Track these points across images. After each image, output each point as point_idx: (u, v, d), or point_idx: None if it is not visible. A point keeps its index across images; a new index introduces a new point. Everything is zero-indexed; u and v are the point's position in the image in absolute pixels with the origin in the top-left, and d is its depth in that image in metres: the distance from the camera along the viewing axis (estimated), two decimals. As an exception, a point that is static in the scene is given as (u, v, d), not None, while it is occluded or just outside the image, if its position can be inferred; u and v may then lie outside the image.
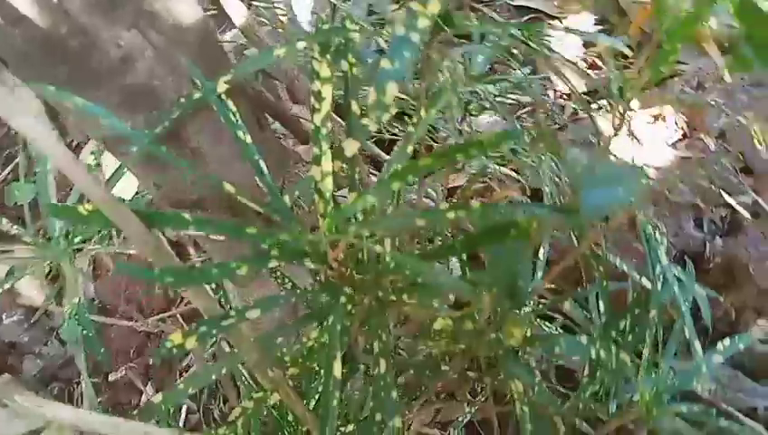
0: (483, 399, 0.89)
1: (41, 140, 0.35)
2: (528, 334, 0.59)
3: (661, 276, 0.68)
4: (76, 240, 0.98)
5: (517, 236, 0.40)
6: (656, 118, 1.12)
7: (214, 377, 0.52)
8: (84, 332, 0.82)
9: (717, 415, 0.66)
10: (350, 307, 0.56)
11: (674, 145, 1.13)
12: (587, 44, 1.40)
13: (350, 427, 0.69)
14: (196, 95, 0.53)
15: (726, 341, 0.70)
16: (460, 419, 0.97)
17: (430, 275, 0.45)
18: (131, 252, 1.16)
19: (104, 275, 1.52)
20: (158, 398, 0.51)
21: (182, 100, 0.53)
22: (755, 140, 0.89)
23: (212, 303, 0.46)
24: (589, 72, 1.27)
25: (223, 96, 0.56)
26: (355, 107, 0.59)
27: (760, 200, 1.05)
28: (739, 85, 1.14)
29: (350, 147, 0.55)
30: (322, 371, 0.52)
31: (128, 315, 1.47)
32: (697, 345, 0.65)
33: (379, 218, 0.44)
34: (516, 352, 0.61)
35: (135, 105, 0.52)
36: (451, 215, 0.43)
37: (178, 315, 1.44)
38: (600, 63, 1.30)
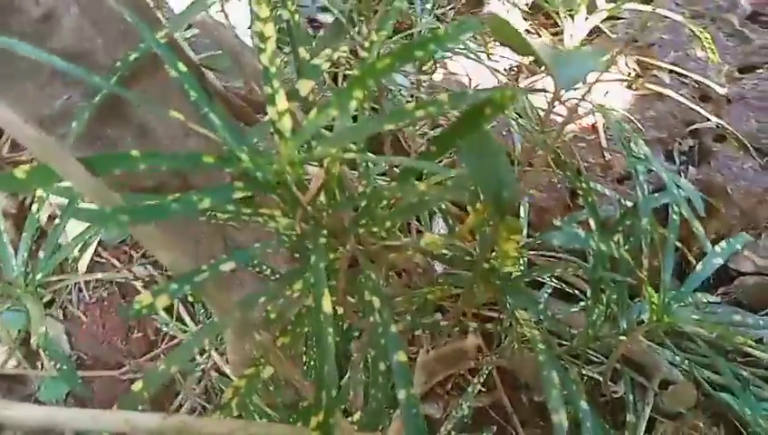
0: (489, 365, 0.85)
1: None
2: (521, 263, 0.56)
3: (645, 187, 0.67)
4: (38, 277, 0.92)
5: (494, 112, 0.38)
6: (607, 63, 1.13)
7: (196, 350, 0.47)
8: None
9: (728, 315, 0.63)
10: (331, 256, 0.53)
11: (629, 86, 1.13)
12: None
13: (356, 416, 0.64)
14: (132, 56, 0.50)
15: (722, 243, 0.68)
16: (469, 389, 0.93)
17: (410, 190, 0.42)
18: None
19: (78, 328, 1.44)
20: (137, 385, 0.46)
21: (118, 63, 0.50)
22: (709, 60, 0.90)
23: (181, 257, 0.42)
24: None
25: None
26: (303, 52, 0.57)
27: (723, 123, 1.05)
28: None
29: (305, 86, 0.52)
30: (312, 322, 0.48)
31: (109, 365, 1.39)
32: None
33: (346, 131, 0.41)
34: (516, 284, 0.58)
35: (68, 75, 0.48)
36: (420, 112, 0.40)
37: (162, 356, 1.37)
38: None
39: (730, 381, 1.24)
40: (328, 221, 0.51)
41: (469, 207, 0.46)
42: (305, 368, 0.60)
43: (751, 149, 1.02)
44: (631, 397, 0.75)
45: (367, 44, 0.50)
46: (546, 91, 0.44)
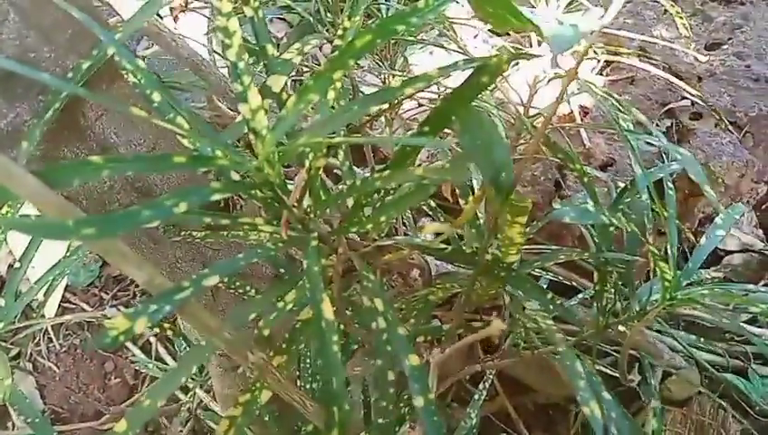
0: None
1: None
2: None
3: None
4: None
5: (490, 79, 0.34)
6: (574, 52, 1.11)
7: (183, 380, 0.42)
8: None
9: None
10: (324, 260, 0.49)
11: (601, 72, 1.12)
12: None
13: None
14: (86, 64, 0.45)
15: (721, 214, 0.66)
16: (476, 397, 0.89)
17: (406, 175, 0.38)
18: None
19: (51, 380, 1.35)
20: (121, 425, 0.41)
21: (69, 75, 0.45)
22: (674, 40, 0.89)
23: (156, 274, 0.37)
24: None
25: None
26: (271, 49, 0.53)
27: (697, 101, 1.05)
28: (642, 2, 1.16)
29: (276, 82, 0.48)
30: (314, 331, 0.44)
31: (87, 417, 1.30)
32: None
33: (331, 116, 0.37)
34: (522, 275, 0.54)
35: (12, 91, 0.44)
36: (408, 90, 0.37)
37: (144, 400, 1.29)
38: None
39: (731, 361, 1.23)
40: (315, 224, 0.47)
41: (458, 193, 0.43)
42: (304, 389, 0.55)
43: (728, 124, 1.02)
44: (653, 382, 0.72)
45: (340, 32, 0.47)
46: (538, 56, 0.41)
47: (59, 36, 0.45)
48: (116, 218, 0.31)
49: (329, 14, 0.62)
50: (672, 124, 1.06)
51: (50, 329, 1.38)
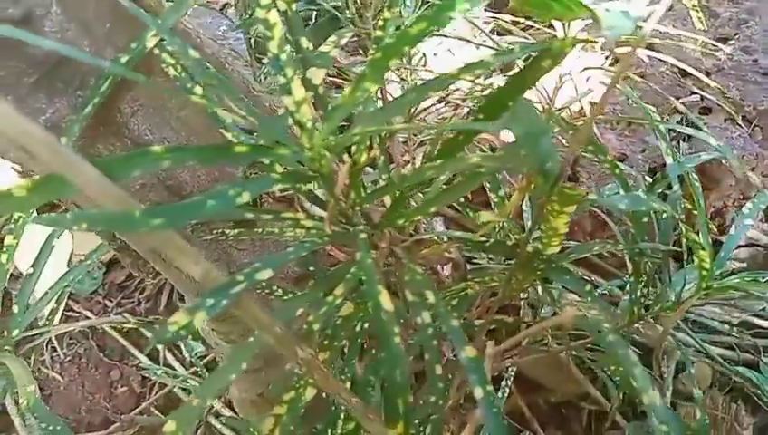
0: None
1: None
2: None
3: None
4: (14, 334, 0.83)
5: (552, 63, 0.34)
6: (584, 48, 1.12)
7: (233, 377, 0.41)
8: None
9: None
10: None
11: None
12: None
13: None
14: (124, 58, 0.44)
15: (748, 204, 0.66)
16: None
17: (460, 163, 0.38)
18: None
19: (56, 390, 1.33)
20: (170, 425, 0.40)
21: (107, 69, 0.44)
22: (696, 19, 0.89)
23: (212, 268, 0.36)
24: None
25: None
26: (306, 42, 0.52)
27: (706, 95, 1.05)
28: None
29: (317, 75, 0.48)
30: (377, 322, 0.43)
31: (94, 427, 1.28)
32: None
33: (386, 106, 0.37)
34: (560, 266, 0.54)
35: (53, 86, 0.43)
36: (467, 75, 0.36)
37: (153, 408, 1.27)
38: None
39: (742, 355, 1.23)
40: (357, 218, 0.46)
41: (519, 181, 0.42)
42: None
43: (737, 118, 1.03)
44: (692, 371, 0.72)
45: (381, 23, 0.46)
46: (594, 42, 0.41)
47: (98, 29, 0.44)
48: (182, 208, 0.31)
49: (348, 11, 0.61)
50: (682, 119, 1.07)
51: (53, 338, 1.36)
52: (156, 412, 1.26)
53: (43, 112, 0.44)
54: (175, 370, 1.28)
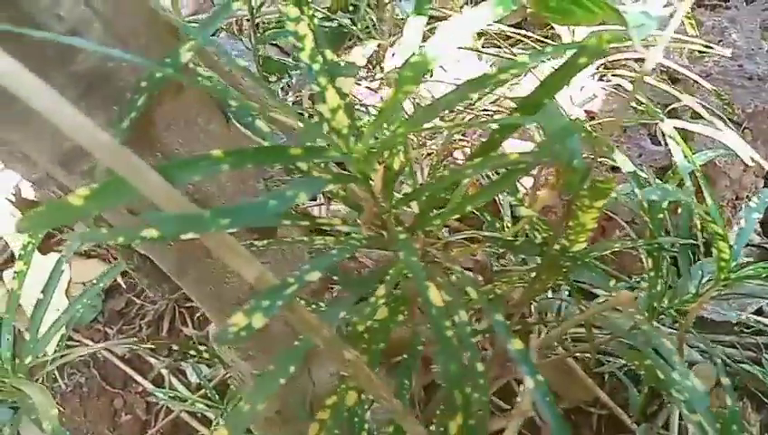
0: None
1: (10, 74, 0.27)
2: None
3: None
4: (27, 360, 0.82)
5: (589, 59, 0.36)
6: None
7: (282, 381, 0.42)
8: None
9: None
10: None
11: (601, 78, 1.16)
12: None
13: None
14: (158, 73, 0.45)
15: (754, 198, 0.68)
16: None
17: (499, 160, 0.39)
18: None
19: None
20: (222, 432, 0.40)
21: (143, 83, 0.45)
22: (688, 26, 0.93)
23: (265, 271, 0.37)
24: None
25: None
26: (330, 55, 0.54)
27: (697, 100, 1.08)
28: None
29: (345, 84, 0.49)
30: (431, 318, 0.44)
31: (98, 457, 1.26)
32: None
33: (427, 107, 0.38)
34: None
35: (92, 97, 0.43)
36: (504, 75, 0.38)
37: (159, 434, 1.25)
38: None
39: (744, 353, 1.26)
40: (392, 221, 0.47)
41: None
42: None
43: (727, 121, 1.06)
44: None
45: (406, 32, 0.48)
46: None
47: (134, 44, 0.45)
48: (247, 209, 0.31)
49: (359, 24, 0.63)
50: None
51: (54, 369, 1.33)
52: (162, 438, 1.24)
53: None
54: (180, 393, 1.26)
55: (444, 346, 0.37)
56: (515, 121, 0.38)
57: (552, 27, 1.27)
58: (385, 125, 0.42)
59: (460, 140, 0.88)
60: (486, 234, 0.50)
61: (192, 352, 1.20)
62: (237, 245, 0.36)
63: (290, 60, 0.92)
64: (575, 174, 0.45)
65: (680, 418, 1.15)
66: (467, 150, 0.82)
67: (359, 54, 0.51)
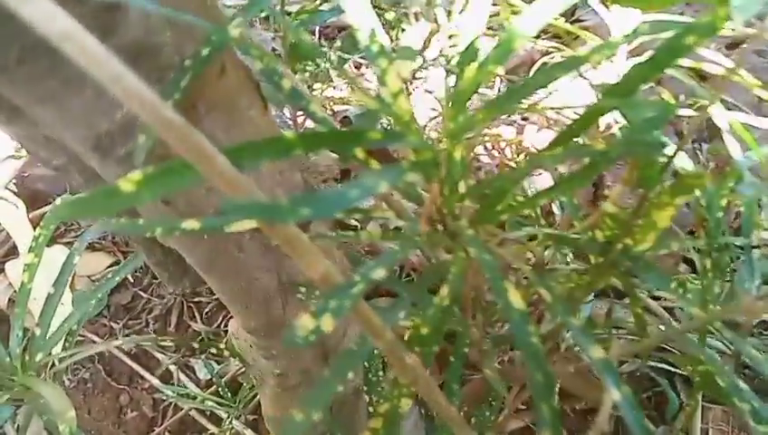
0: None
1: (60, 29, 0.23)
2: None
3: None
4: (38, 358, 0.79)
5: (698, 40, 0.32)
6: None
7: (340, 388, 0.38)
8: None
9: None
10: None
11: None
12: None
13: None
14: (205, 51, 0.42)
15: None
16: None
17: (584, 150, 0.36)
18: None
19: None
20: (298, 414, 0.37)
21: (187, 62, 0.42)
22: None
23: (332, 269, 0.33)
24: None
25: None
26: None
27: (727, 98, 1.06)
28: None
29: (404, 68, 0.46)
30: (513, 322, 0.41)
31: (102, 456, 1.22)
32: None
33: (511, 90, 0.35)
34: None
35: (134, 74, 0.40)
36: (596, 56, 0.35)
37: (167, 433, 1.21)
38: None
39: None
40: (454, 213, 0.44)
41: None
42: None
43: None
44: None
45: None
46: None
47: (180, 20, 0.41)
48: (328, 198, 0.28)
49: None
50: (703, 122, 1.07)
51: (56, 363, 1.29)
52: (169, 436, 1.20)
53: (120, 108, 0.41)
54: (189, 390, 1.22)
55: (530, 354, 0.33)
56: (604, 106, 0.35)
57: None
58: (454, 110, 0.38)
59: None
60: (547, 231, 0.46)
61: (202, 348, 1.16)
62: (305, 238, 0.32)
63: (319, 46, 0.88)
64: (654, 168, 0.41)
65: (702, 421, 1.13)
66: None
67: (415, 36, 0.47)
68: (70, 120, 0.41)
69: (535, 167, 0.39)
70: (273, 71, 0.41)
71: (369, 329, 0.38)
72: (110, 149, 0.42)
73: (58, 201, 0.86)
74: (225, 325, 1.31)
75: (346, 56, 0.72)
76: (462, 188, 0.40)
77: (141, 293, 1.38)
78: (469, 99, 0.35)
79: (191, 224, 0.39)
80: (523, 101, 0.63)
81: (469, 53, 0.41)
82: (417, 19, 0.73)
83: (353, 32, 0.52)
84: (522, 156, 0.84)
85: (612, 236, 0.47)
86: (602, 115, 0.35)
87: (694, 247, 0.59)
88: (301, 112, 0.96)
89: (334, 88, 1.12)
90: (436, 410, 0.46)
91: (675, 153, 0.42)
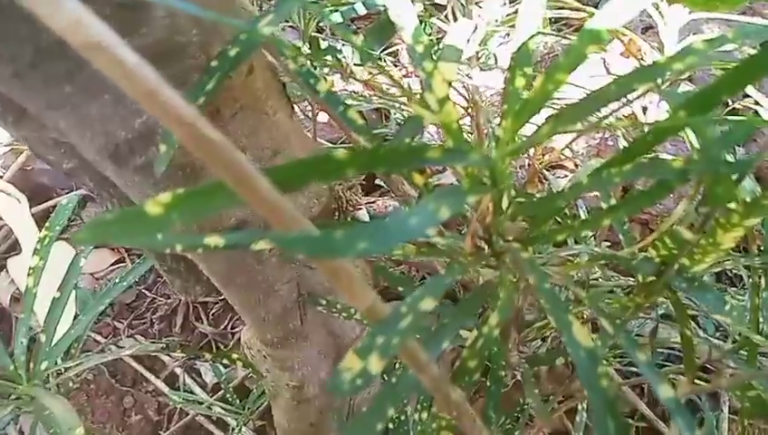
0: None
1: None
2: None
3: None
4: (43, 366, 0.75)
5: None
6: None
7: (391, 413, 0.35)
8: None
9: None
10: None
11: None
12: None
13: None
14: (233, 51, 0.38)
15: None
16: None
17: (659, 168, 0.32)
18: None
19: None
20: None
21: (214, 63, 0.38)
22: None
23: (378, 300, 0.30)
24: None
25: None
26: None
27: (755, 94, 1.01)
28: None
29: (449, 69, 0.42)
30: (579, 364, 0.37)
31: (107, 460, 1.19)
32: None
33: (584, 100, 0.31)
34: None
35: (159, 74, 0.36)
36: (677, 65, 0.31)
37: (172, 437, 1.18)
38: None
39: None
40: (501, 233, 0.40)
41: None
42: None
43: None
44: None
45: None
46: None
47: (206, 19, 0.38)
48: (387, 228, 0.24)
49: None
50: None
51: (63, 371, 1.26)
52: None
53: (140, 115, 0.37)
54: (195, 395, 1.19)
55: (598, 399, 0.30)
56: (678, 123, 0.31)
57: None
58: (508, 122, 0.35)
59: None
60: (599, 250, 0.43)
61: (209, 352, 1.13)
62: (353, 269, 0.29)
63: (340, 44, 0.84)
64: (724, 185, 0.38)
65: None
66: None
67: (460, 35, 0.43)
68: (86, 127, 0.37)
69: (600, 185, 0.35)
70: (310, 73, 0.38)
71: (415, 365, 0.34)
72: (128, 157, 0.39)
73: (64, 200, 0.82)
74: (233, 327, 1.28)
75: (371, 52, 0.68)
76: (507, 203, 0.36)
77: (146, 292, 1.35)
78: (538, 112, 0.31)
79: (214, 241, 0.35)
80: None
81: (522, 54, 0.38)
82: (453, 14, 0.70)
83: (380, 24, 0.49)
84: (549, 161, 0.81)
85: (670, 256, 0.44)
86: (678, 132, 0.31)
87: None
88: (308, 105, 0.92)
89: (346, 82, 1.08)
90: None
91: (747, 170, 0.38)
